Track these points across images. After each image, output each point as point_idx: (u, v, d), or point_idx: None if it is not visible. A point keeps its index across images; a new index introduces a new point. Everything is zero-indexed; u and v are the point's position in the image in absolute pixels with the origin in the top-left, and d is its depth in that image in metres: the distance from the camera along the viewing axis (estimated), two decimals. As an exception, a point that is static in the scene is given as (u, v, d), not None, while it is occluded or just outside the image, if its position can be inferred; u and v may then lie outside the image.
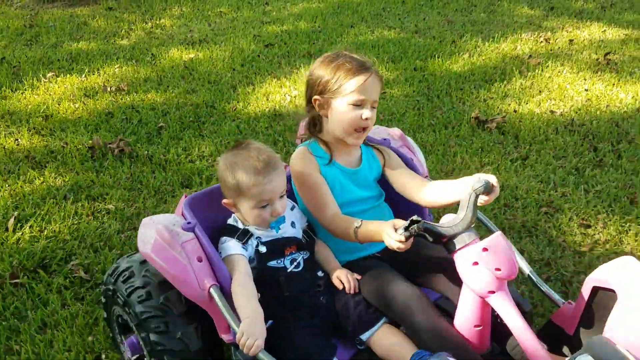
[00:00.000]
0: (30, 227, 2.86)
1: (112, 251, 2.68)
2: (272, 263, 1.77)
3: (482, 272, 1.48)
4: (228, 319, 1.58)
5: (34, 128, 3.92)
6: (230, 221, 1.84)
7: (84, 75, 4.85)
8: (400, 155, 2.04)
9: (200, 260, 1.67)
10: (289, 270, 1.77)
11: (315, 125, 1.91)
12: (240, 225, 1.80)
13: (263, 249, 1.77)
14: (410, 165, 2.02)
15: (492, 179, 1.61)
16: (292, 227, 1.86)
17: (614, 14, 6.15)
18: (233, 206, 1.79)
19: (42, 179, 3.30)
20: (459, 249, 1.52)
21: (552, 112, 3.91)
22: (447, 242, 1.54)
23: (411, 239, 1.49)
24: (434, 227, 1.52)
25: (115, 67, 5.05)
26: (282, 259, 1.78)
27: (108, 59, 5.25)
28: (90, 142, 3.66)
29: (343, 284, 1.77)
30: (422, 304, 1.62)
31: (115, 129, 3.90)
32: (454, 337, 1.58)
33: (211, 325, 1.74)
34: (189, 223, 1.71)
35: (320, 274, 1.82)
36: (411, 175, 1.92)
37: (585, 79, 4.42)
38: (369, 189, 1.94)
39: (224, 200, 1.79)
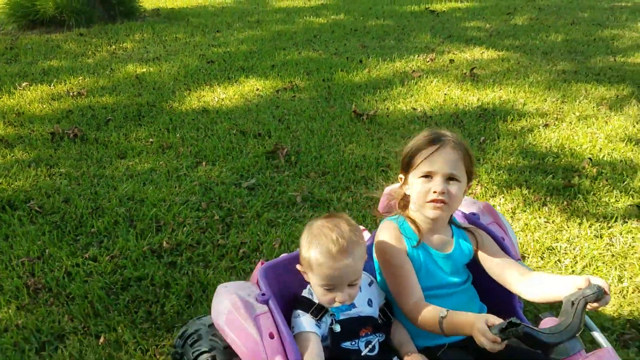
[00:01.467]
0: (0, 184, 3.86)
1: (60, 195, 3.69)
2: (346, 344, 1.68)
3: None
4: None
5: (8, 121, 4.94)
6: (305, 293, 1.78)
7: (52, 85, 5.91)
8: (489, 233, 1.91)
9: (272, 336, 1.62)
10: (363, 354, 1.68)
11: (403, 203, 1.85)
12: (315, 300, 1.73)
13: (337, 328, 1.69)
14: (501, 245, 1.88)
15: (604, 285, 1.49)
16: (368, 305, 1.76)
17: (497, 40, 7.43)
18: (305, 274, 1.74)
19: (12, 154, 4.31)
20: None
21: (413, 109, 5.06)
22: (546, 349, 1.43)
23: (506, 341, 1.39)
24: (535, 332, 1.41)
25: (79, 78, 6.13)
26: (357, 341, 1.69)
27: (74, 73, 6.33)
28: (52, 129, 4.70)
29: None
30: None
31: (73, 121, 4.94)
32: None
33: None
34: (263, 295, 1.69)
35: None
36: (509, 263, 1.79)
37: (449, 87, 5.60)
38: (458, 275, 1.83)
39: (299, 266, 1.75)
